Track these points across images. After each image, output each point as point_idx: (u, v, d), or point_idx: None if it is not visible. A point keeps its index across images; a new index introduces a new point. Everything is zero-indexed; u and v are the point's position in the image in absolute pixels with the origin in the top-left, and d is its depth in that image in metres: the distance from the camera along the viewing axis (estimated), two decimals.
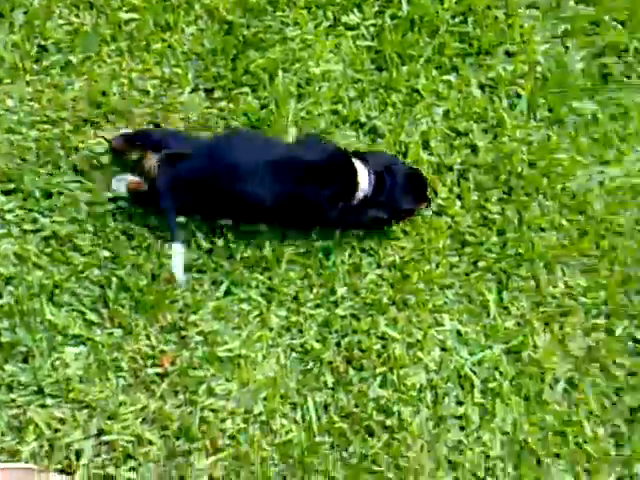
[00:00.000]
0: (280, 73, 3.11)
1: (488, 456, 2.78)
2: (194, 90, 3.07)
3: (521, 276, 3.02)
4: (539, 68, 3.25)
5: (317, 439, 2.72)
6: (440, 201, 3.04)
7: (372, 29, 3.23)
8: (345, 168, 2.80)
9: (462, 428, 2.81)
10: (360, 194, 2.81)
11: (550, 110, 3.25)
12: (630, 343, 3.01)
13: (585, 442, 2.85)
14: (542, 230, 3.09)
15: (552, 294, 3.02)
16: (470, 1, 3.26)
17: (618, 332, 3.00)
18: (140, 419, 2.69)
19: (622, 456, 2.86)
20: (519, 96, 3.25)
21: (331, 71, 3.17)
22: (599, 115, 3.27)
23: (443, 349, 2.90)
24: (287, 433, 2.72)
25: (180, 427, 2.68)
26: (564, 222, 3.11)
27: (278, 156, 2.71)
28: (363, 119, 3.14)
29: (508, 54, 3.26)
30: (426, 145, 3.11)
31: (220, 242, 2.88)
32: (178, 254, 2.63)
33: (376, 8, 3.21)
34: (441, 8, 3.23)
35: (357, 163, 2.84)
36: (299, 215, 2.80)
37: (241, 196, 2.66)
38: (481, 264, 3.01)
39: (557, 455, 2.83)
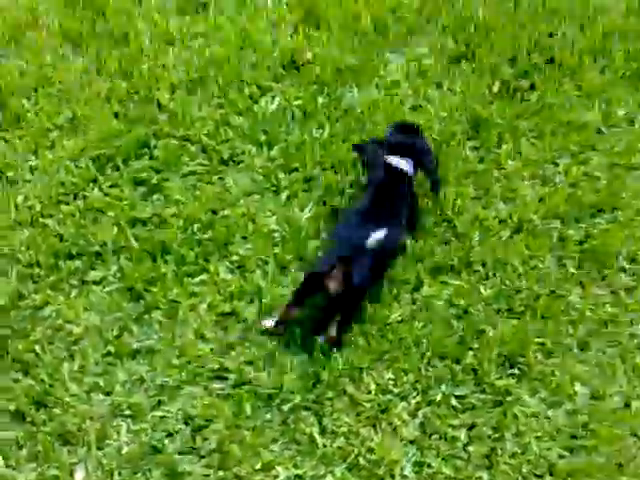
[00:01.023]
0: (46, 348, 3.30)
1: None
2: None
3: (332, 398, 3.12)
4: None
5: None
6: None
7: (118, 274, 3.51)
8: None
9: None
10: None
11: None
12: (453, 401, 3.10)
13: None
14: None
15: (367, 399, 3.13)
16: None
17: (438, 398, 3.10)
18: None
19: None
20: None
21: (91, 325, 3.37)
22: None
23: None
24: None
25: None
26: None
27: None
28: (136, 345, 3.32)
29: None
30: None
31: None
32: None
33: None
34: None
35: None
36: None
37: None
38: (286, 407, 3.09)
39: None
